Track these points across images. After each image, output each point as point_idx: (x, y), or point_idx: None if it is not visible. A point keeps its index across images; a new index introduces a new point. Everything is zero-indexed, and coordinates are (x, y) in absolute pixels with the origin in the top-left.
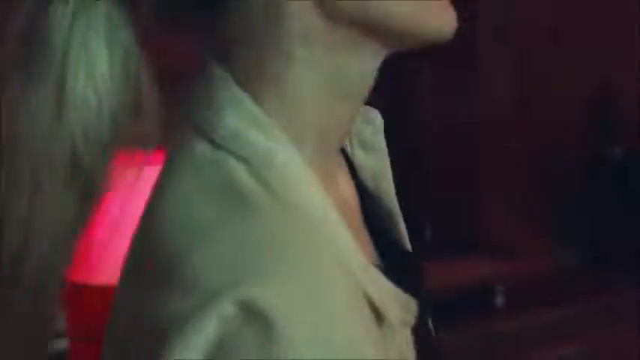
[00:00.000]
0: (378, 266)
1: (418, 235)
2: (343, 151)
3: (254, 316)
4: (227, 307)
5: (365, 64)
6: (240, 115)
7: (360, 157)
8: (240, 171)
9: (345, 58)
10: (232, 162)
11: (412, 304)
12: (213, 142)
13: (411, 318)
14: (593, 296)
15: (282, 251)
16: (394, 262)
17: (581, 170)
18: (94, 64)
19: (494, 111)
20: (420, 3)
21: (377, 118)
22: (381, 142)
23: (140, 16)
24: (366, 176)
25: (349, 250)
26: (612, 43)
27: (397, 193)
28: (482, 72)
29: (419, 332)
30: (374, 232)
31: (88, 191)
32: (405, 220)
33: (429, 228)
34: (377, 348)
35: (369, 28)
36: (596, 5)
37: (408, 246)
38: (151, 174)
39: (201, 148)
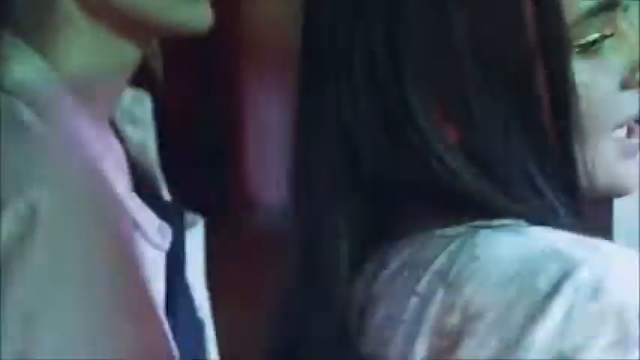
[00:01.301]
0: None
1: None
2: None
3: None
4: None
5: (126, 49)
6: (24, 67)
7: (128, 131)
8: (22, 108)
9: (107, 41)
10: (18, 104)
11: (168, 230)
12: (3, 89)
13: (166, 242)
14: None
15: (52, 159)
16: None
17: None
18: None
19: None
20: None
21: (146, 99)
22: (149, 119)
23: None
24: (132, 148)
25: (117, 176)
26: None
27: None
28: None
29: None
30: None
31: None
32: None
33: None
34: (122, 254)
35: (125, 22)
36: None
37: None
38: None
39: None
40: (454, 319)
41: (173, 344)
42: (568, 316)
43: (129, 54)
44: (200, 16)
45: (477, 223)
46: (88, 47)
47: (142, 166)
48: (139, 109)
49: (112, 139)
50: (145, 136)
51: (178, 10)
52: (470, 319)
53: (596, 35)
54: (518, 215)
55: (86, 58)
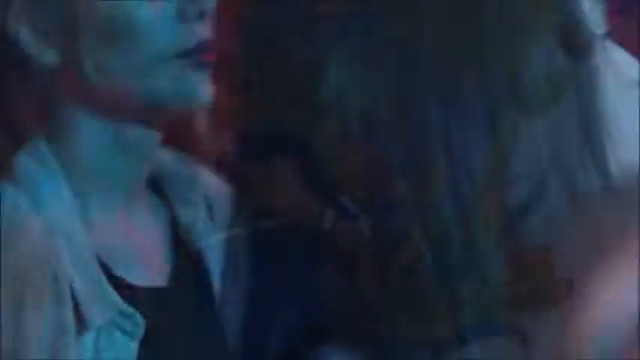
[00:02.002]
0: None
1: None
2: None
3: None
4: None
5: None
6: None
7: (179, 211)
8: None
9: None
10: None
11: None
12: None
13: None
14: None
15: None
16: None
17: None
18: None
19: None
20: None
21: (199, 181)
22: (199, 201)
23: None
24: (180, 228)
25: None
26: None
27: None
28: None
29: None
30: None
31: None
32: None
33: None
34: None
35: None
36: None
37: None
38: None
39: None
40: None
41: None
42: None
43: (142, 138)
44: (202, 90)
45: None
46: (100, 132)
47: (188, 245)
48: (191, 191)
49: (131, 224)
50: (194, 216)
51: (184, 87)
52: None
53: None
54: None
55: (97, 142)
